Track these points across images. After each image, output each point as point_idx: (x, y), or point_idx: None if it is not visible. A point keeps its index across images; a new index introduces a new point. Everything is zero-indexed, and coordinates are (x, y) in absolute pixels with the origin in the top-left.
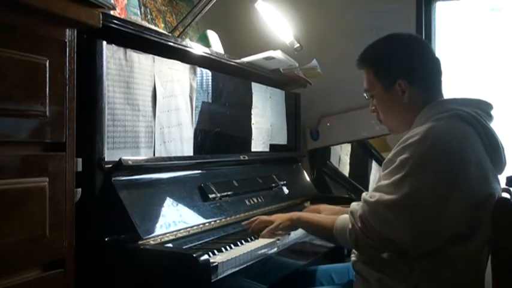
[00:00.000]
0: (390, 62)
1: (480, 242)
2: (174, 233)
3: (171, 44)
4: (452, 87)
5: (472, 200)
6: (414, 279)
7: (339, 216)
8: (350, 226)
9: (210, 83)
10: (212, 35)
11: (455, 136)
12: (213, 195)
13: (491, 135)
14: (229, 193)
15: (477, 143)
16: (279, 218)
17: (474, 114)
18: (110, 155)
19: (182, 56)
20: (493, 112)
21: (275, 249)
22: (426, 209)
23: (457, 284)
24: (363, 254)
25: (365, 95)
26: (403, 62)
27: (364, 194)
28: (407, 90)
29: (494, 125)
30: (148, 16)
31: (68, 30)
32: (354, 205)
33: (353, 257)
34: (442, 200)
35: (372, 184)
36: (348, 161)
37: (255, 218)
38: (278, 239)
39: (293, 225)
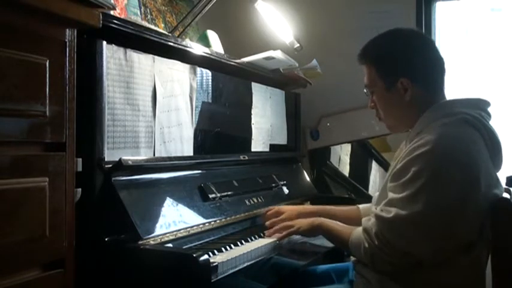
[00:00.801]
0: (392, 60)
1: (481, 250)
2: (174, 233)
3: (171, 44)
4: (452, 87)
5: (482, 207)
6: (416, 281)
7: (355, 230)
8: (366, 245)
9: (210, 83)
10: (212, 35)
11: (465, 144)
12: (213, 195)
13: (493, 137)
14: (229, 193)
15: (482, 147)
16: (300, 223)
17: (479, 117)
18: (110, 155)
19: (182, 56)
20: (490, 109)
21: (275, 249)
22: (443, 221)
23: (460, 286)
24: (380, 270)
25: (365, 90)
26: (406, 59)
27: (374, 210)
28: (409, 89)
29: (493, 124)
30: (148, 16)
31: (68, 30)
32: (365, 221)
33: (353, 257)
34: (457, 210)
35: (372, 184)
36: (348, 161)
37: (279, 221)
38: (278, 240)
39: (312, 230)
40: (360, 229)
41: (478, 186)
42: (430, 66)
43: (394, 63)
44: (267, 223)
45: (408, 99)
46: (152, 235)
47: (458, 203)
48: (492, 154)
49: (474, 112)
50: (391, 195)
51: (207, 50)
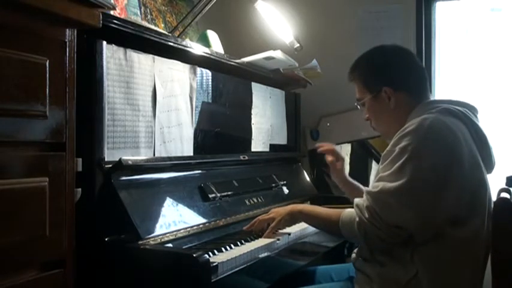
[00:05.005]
0: (375, 72)
1: (475, 227)
2: (174, 233)
3: (171, 44)
4: (452, 87)
5: (467, 183)
6: (414, 266)
7: (345, 210)
8: (357, 219)
9: (210, 83)
10: (212, 35)
11: (448, 127)
12: (213, 195)
13: (479, 131)
14: (229, 193)
15: (467, 135)
16: (277, 213)
17: (463, 111)
18: (110, 155)
19: (182, 56)
20: (479, 116)
21: (275, 249)
22: (427, 192)
23: (455, 267)
24: (372, 246)
25: (356, 104)
26: (388, 70)
27: (366, 188)
28: (392, 96)
29: (488, 124)
30: (148, 16)
31: (68, 30)
32: (358, 199)
33: (353, 254)
34: (441, 182)
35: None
36: (348, 161)
37: (255, 220)
38: (278, 239)
39: (293, 218)
40: (350, 209)
41: (460, 163)
42: (412, 75)
43: (377, 74)
44: (245, 228)
45: (393, 106)
46: (152, 235)
47: (442, 175)
48: (479, 147)
49: (460, 108)
50: (380, 173)
51: (207, 50)
